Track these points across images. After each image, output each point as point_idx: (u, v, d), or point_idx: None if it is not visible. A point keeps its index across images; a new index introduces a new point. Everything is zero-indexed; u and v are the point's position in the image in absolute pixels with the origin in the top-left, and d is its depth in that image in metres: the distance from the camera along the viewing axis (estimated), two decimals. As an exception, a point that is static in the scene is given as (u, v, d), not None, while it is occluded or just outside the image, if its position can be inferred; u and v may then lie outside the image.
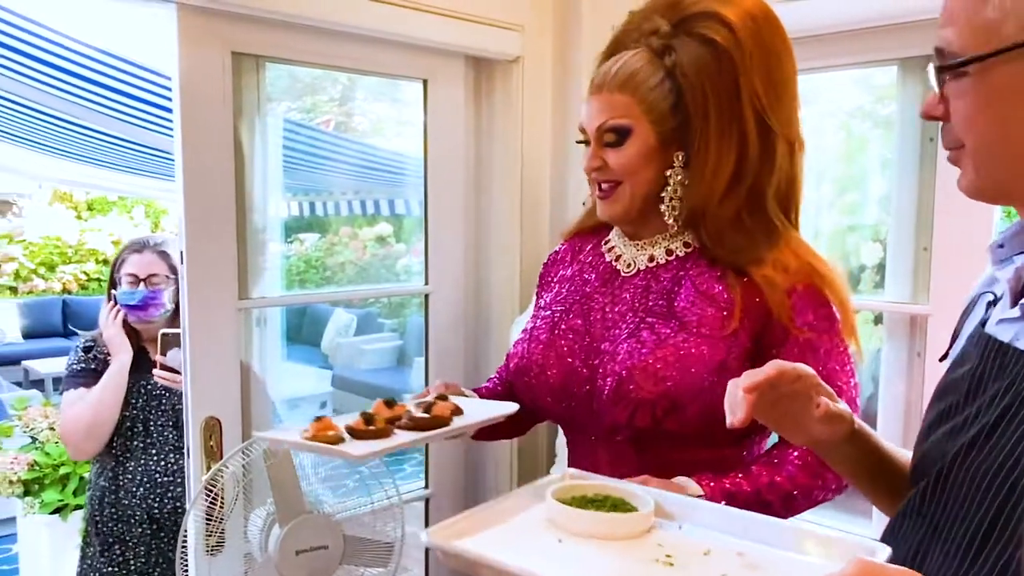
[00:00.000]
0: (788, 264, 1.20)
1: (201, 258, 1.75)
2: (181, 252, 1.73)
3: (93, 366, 2.21)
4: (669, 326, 1.21)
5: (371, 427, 1.18)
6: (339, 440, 1.16)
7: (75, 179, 5.59)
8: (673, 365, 1.18)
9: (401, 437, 1.18)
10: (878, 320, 1.94)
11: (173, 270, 2.24)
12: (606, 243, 1.38)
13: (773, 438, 1.29)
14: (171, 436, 2.19)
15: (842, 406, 0.91)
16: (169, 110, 2.82)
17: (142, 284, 2.20)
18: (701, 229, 1.24)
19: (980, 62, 0.75)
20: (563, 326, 1.32)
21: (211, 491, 1.51)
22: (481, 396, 1.42)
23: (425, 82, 2.14)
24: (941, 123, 0.83)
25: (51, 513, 3.03)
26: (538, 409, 1.37)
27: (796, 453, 1.19)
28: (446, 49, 2.10)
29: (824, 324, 1.20)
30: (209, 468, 1.73)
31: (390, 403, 1.25)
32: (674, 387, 1.17)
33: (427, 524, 2.29)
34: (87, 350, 2.24)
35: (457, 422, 1.23)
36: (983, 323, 0.88)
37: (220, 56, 1.73)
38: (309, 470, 1.60)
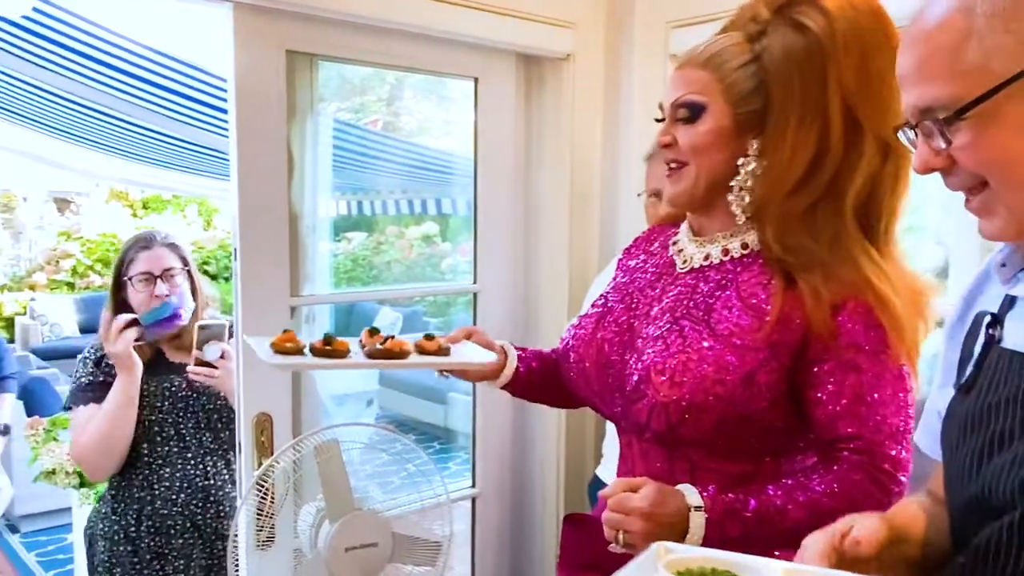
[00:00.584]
0: (843, 276, 1.13)
1: (254, 256, 1.76)
2: (235, 249, 1.75)
3: (103, 379, 2.03)
4: (700, 331, 1.17)
5: (328, 347, 1.30)
6: (298, 352, 1.29)
7: (131, 178, 5.72)
8: (692, 371, 1.14)
9: (348, 360, 1.32)
10: (939, 324, 1.88)
11: (185, 261, 2.10)
12: (675, 236, 1.35)
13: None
14: (206, 439, 2.06)
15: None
16: (223, 110, 2.87)
17: (158, 281, 2.02)
18: (766, 224, 1.18)
19: (984, 102, 0.75)
20: (609, 318, 1.30)
21: (263, 487, 1.52)
22: (528, 356, 1.46)
23: (476, 80, 2.13)
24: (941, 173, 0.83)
25: (106, 504, 3.10)
26: (577, 396, 1.37)
27: (818, 479, 1.11)
28: (497, 47, 2.10)
29: (875, 346, 1.12)
30: (260, 464, 1.75)
31: (373, 332, 1.35)
32: (689, 393, 1.13)
33: (474, 523, 2.29)
34: (98, 362, 2.05)
35: (413, 359, 1.35)
36: (997, 342, 0.86)
37: (275, 55, 1.75)
38: (357, 466, 1.60)
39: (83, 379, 2.05)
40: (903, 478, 1.11)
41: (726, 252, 1.24)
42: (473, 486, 2.28)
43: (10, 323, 7.18)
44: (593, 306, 1.37)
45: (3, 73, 3.38)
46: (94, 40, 2.83)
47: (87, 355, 2.09)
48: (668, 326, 1.21)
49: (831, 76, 1.13)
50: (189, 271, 2.11)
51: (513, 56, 2.18)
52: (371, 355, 1.33)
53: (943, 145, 0.79)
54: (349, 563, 1.46)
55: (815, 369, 1.14)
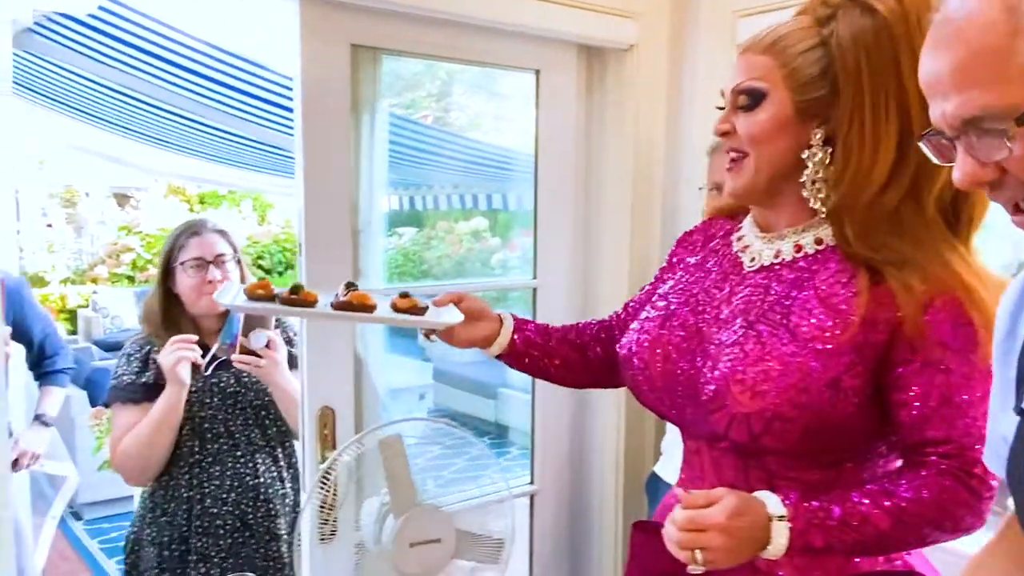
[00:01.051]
0: (931, 272, 1.08)
1: (319, 251, 1.77)
2: (300, 244, 1.76)
3: (146, 380, 1.96)
4: (779, 336, 1.11)
5: (295, 296, 1.31)
6: (269, 298, 1.31)
7: (190, 173, 5.82)
8: (775, 380, 1.08)
9: (310, 309, 1.32)
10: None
11: (235, 248, 2.06)
12: (738, 231, 1.28)
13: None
14: (255, 435, 2.00)
15: None
16: (286, 107, 2.89)
17: (211, 267, 1.97)
18: (846, 220, 1.12)
19: None
20: (675, 322, 1.24)
21: (327, 480, 1.52)
22: (528, 329, 1.43)
23: (537, 72, 2.11)
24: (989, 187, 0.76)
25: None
26: (641, 403, 1.31)
27: (906, 485, 1.06)
28: (559, 38, 2.07)
29: (965, 345, 1.07)
30: (324, 458, 1.75)
31: (349, 285, 1.37)
32: (773, 403, 1.08)
33: (532, 521, 2.28)
34: (144, 361, 1.97)
35: (380, 314, 1.35)
36: None
37: (341, 49, 1.75)
38: (416, 460, 1.59)
39: (124, 377, 1.97)
40: (995, 483, 1.06)
41: (799, 248, 1.17)
42: (532, 483, 2.26)
43: (73, 315, 7.36)
44: (654, 308, 1.30)
45: (68, 71, 3.46)
46: (159, 38, 2.87)
47: (130, 351, 2.01)
48: (743, 331, 1.14)
49: (905, 63, 1.06)
50: (238, 259, 2.07)
51: (575, 48, 2.15)
52: (335, 307, 1.33)
53: (1000, 156, 0.72)
54: (414, 559, 1.46)
55: (900, 370, 1.08)
